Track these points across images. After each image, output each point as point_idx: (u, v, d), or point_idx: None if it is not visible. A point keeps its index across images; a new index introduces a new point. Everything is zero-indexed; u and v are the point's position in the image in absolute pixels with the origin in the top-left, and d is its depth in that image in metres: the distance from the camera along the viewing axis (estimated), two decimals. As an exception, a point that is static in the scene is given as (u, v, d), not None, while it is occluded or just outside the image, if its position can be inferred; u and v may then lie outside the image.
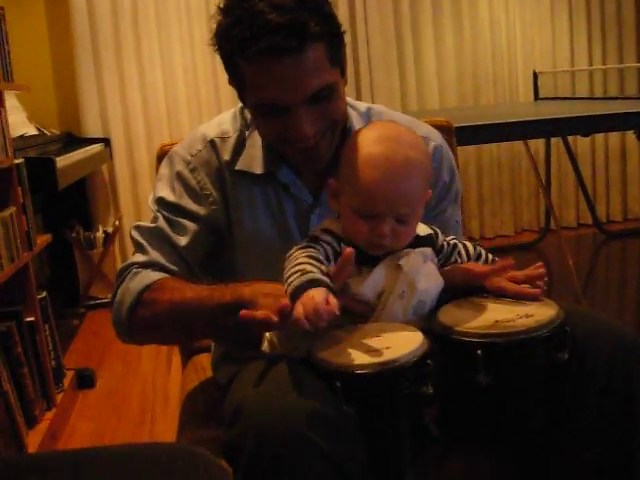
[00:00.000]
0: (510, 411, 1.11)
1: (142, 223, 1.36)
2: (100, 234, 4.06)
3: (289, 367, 1.06)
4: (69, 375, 2.86)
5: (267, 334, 1.17)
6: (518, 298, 1.18)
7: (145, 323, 1.28)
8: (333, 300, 1.01)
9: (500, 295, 1.20)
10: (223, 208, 1.34)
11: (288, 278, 1.08)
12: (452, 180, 1.43)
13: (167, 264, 1.31)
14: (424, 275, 1.18)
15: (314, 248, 1.13)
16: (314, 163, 1.29)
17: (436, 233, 1.26)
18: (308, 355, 1.07)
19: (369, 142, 1.17)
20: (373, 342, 1.07)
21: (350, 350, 1.06)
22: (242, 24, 1.14)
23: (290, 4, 1.13)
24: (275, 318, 1.03)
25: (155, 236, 1.33)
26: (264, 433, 0.98)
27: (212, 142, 1.36)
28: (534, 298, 1.17)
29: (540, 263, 1.22)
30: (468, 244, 1.30)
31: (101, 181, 4.34)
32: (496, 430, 1.13)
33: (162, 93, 4.37)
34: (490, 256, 1.30)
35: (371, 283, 1.15)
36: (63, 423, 2.63)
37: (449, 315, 1.15)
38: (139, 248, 1.34)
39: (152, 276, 1.29)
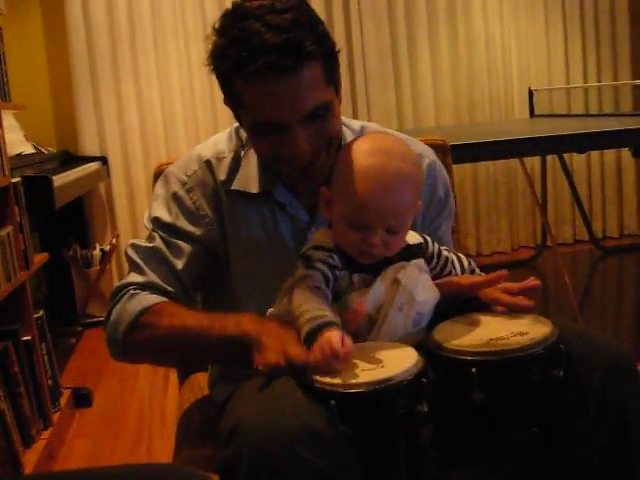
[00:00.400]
0: (505, 429, 1.11)
1: (138, 241, 1.36)
2: (97, 252, 4.06)
3: (285, 386, 1.07)
4: (66, 394, 2.85)
5: None
6: (511, 309, 1.19)
7: (142, 346, 1.28)
8: (348, 341, 1.04)
9: (493, 304, 1.21)
10: (218, 228, 1.35)
11: (298, 318, 1.10)
12: (447, 196, 1.45)
13: (164, 285, 1.31)
14: (422, 288, 1.19)
15: (312, 277, 1.14)
16: (310, 181, 1.30)
17: (426, 242, 1.27)
18: (303, 374, 1.07)
19: (363, 153, 1.18)
20: (367, 361, 1.07)
21: (344, 368, 1.06)
22: (238, 44, 1.16)
23: (286, 24, 1.15)
24: (284, 364, 1.06)
25: (152, 256, 1.33)
26: (260, 452, 0.98)
27: (208, 162, 1.36)
28: (527, 309, 1.18)
29: (532, 278, 1.22)
30: (462, 257, 1.32)
31: (98, 199, 4.35)
32: (491, 447, 1.13)
33: (159, 112, 4.39)
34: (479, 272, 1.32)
35: (372, 297, 1.16)
36: (60, 443, 2.63)
37: (444, 332, 1.15)
38: (135, 268, 1.34)
39: (150, 299, 1.29)
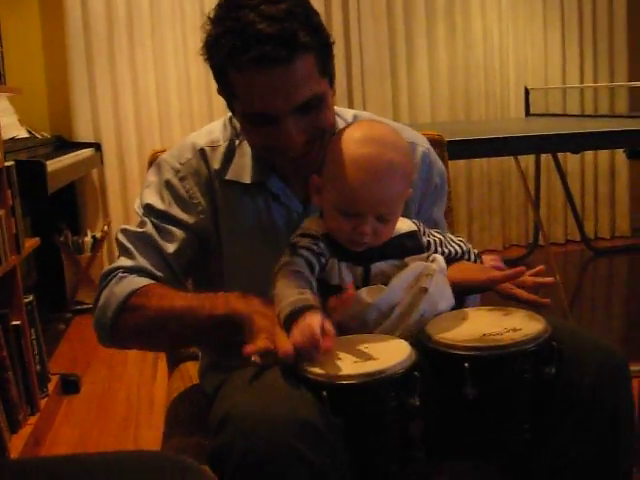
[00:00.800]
0: (496, 424, 1.11)
1: (129, 227, 1.36)
2: (88, 239, 4.05)
3: (277, 376, 1.06)
4: (54, 380, 2.84)
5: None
6: (529, 305, 1.20)
7: (130, 328, 1.28)
8: (329, 326, 1.04)
9: (511, 299, 1.22)
10: (211, 217, 1.34)
11: (279, 302, 1.10)
12: (442, 183, 1.46)
13: (153, 270, 1.31)
14: (445, 297, 1.21)
15: (295, 263, 1.15)
16: (303, 172, 1.29)
17: (419, 229, 1.28)
18: (295, 365, 1.07)
19: (354, 142, 1.19)
20: (360, 353, 1.07)
21: (337, 360, 1.06)
22: (232, 34, 1.15)
23: (280, 14, 1.14)
24: (273, 348, 1.06)
25: (142, 241, 1.33)
26: (250, 442, 0.97)
27: (202, 151, 1.36)
28: (544, 306, 1.20)
29: (541, 267, 1.24)
30: (454, 238, 1.35)
31: (91, 186, 4.33)
32: (482, 443, 1.13)
33: (154, 99, 4.37)
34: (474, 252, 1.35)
35: (387, 297, 1.17)
36: (47, 428, 2.62)
37: (437, 327, 1.15)
38: (125, 252, 1.33)
39: (139, 281, 1.28)
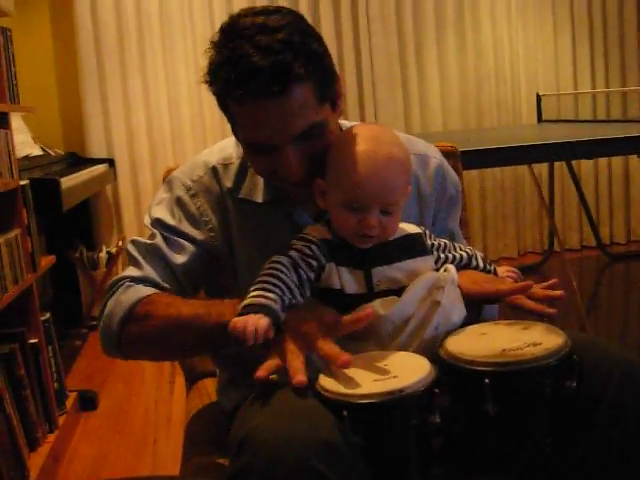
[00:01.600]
0: (517, 439, 1.10)
1: (139, 238, 1.36)
2: (103, 255, 4.06)
3: (297, 395, 1.06)
4: (71, 397, 2.85)
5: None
6: (534, 314, 1.20)
7: (137, 337, 1.27)
8: (264, 329, 1.08)
9: (518, 310, 1.22)
10: (223, 235, 1.34)
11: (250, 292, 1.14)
12: (457, 194, 1.46)
13: (160, 281, 1.31)
14: (457, 309, 1.21)
15: (278, 261, 1.18)
16: (311, 190, 1.28)
17: (424, 233, 1.30)
18: (315, 384, 1.07)
19: (354, 141, 1.21)
20: (380, 370, 1.07)
21: (357, 379, 1.05)
22: (228, 65, 1.15)
23: (275, 45, 1.13)
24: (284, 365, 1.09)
25: (150, 253, 1.33)
26: (272, 462, 0.97)
27: (214, 169, 1.36)
28: (550, 317, 1.19)
29: (555, 280, 1.24)
30: (461, 245, 1.36)
31: (105, 202, 4.35)
32: (503, 458, 1.12)
33: (166, 115, 4.39)
34: (480, 262, 1.35)
35: (401, 309, 1.17)
36: (65, 446, 2.62)
37: (457, 343, 1.14)
38: (133, 262, 1.34)
39: (145, 290, 1.28)
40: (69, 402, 2.79)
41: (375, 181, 1.18)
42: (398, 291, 1.20)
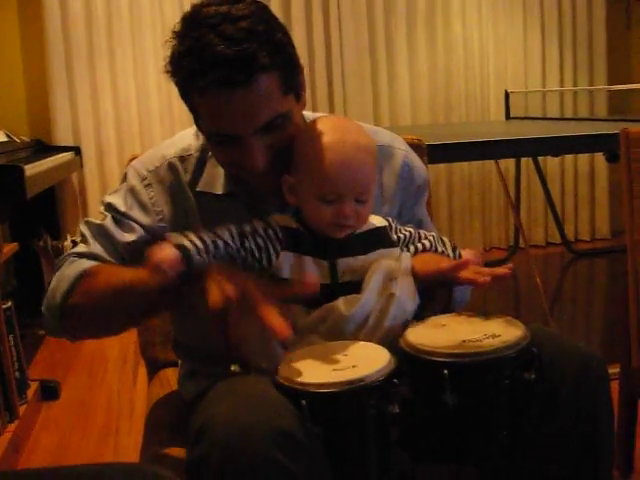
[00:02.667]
0: (476, 430, 1.11)
1: (91, 219, 1.36)
2: (68, 243, 4.01)
3: (255, 385, 1.06)
4: (33, 386, 2.81)
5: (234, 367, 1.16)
6: (469, 285, 1.22)
7: (80, 308, 1.25)
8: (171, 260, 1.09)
9: (460, 284, 1.24)
10: (175, 227, 1.31)
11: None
12: (424, 183, 1.46)
13: (106, 256, 1.30)
14: (411, 298, 1.22)
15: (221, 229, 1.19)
16: (275, 179, 1.27)
17: (390, 225, 1.30)
18: (274, 374, 1.07)
19: (320, 133, 1.21)
20: (339, 360, 1.07)
21: (316, 368, 1.05)
22: (192, 55, 1.14)
23: (240, 34, 1.12)
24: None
25: (99, 233, 1.32)
26: (229, 452, 0.96)
27: (171, 162, 1.35)
28: (482, 286, 1.19)
29: (507, 266, 1.23)
30: (427, 234, 1.35)
31: (70, 190, 4.31)
32: (462, 449, 1.13)
33: (134, 103, 4.35)
34: (447, 248, 1.35)
35: (362, 306, 1.17)
36: (26, 436, 2.59)
37: (417, 334, 1.15)
38: (82, 240, 1.33)
39: (89, 263, 1.27)
40: (30, 392, 2.75)
41: (347, 171, 1.19)
42: (360, 282, 1.20)
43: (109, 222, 1.32)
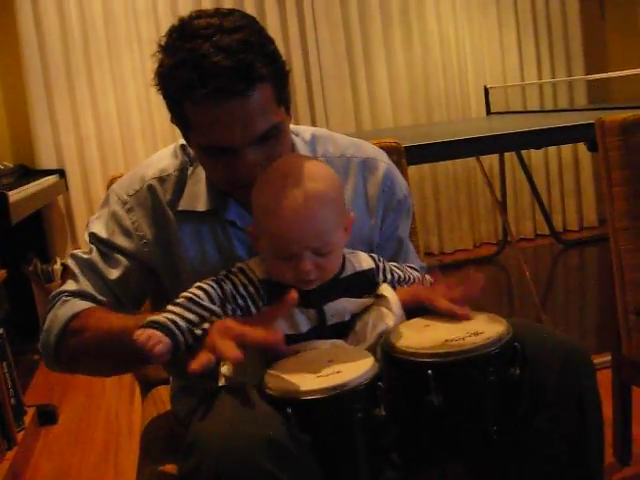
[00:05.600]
0: (463, 429, 1.11)
1: (78, 252, 1.36)
2: (58, 267, 3.99)
3: (242, 396, 1.06)
4: (30, 412, 2.81)
5: (223, 369, 1.15)
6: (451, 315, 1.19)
7: (72, 351, 1.27)
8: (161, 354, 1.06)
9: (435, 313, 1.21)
10: (161, 248, 1.33)
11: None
12: (405, 198, 1.45)
13: (96, 294, 1.31)
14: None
15: (202, 290, 1.16)
16: None
17: (377, 267, 1.26)
18: (260, 383, 1.07)
19: (269, 184, 1.16)
20: (323, 366, 1.07)
21: (301, 376, 1.06)
22: (186, 66, 1.13)
23: (235, 45, 1.13)
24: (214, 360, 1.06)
25: (87, 267, 1.33)
26: (219, 464, 0.97)
27: (150, 184, 1.34)
28: (466, 317, 1.17)
29: (478, 275, 1.22)
30: (412, 272, 1.33)
31: (57, 213, 4.31)
32: (451, 448, 1.14)
33: (116, 122, 4.36)
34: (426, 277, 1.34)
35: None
36: (25, 462, 2.59)
37: (399, 336, 1.15)
38: (71, 276, 1.34)
39: (80, 304, 1.28)
40: (27, 418, 2.75)
41: (297, 227, 1.12)
42: (347, 322, 1.20)
43: (95, 256, 1.33)
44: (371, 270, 1.25)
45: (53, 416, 2.95)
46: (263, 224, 1.16)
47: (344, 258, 1.23)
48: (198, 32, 1.14)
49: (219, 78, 1.11)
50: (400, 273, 1.30)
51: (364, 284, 1.24)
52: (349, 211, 1.25)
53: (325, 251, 1.15)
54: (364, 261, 1.25)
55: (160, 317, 1.11)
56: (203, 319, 1.12)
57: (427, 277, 1.35)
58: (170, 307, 1.14)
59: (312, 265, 1.14)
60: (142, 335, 1.06)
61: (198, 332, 1.11)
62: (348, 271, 1.23)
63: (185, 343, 1.10)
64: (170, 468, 1.30)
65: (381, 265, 1.28)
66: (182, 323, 1.10)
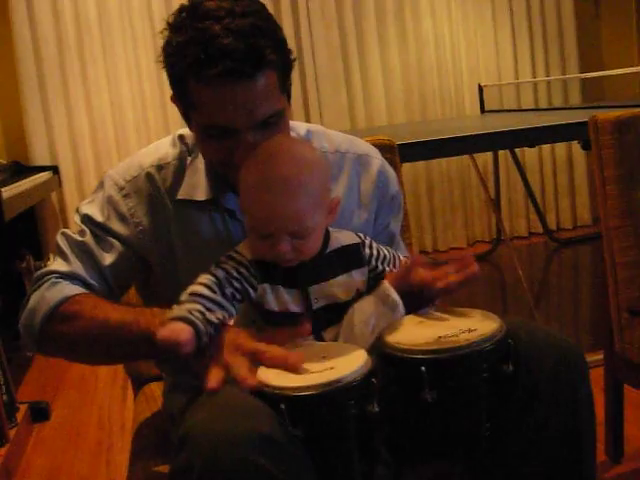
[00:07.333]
0: (457, 425, 1.11)
1: (70, 232, 1.33)
2: (51, 264, 3.99)
3: (235, 391, 1.05)
4: (22, 409, 2.80)
5: None
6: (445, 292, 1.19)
7: (59, 337, 1.24)
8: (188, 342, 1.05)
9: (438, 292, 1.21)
10: (157, 237, 1.32)
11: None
12: (398, 195, 1.47)
13: (87, 278, 1.29)
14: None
15: (201, 284, 1.15)
16: None
17: (363, 242, 1.26)
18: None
19: (251, 165, 1.17)
20: (317, 362, 1.07)
21: (295, 371, 1.05)
22: (196, 45, 1.12)
23: (247, 29, 1.12)
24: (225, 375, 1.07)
25: (80, 249, 1.30)
26: (211, 459, 0.96)
27: (148, 172, 1.34)
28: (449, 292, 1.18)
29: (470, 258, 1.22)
30: (401, 256, 1.33)
31: (51, 209, 4.30)
32: (444, 445, 1.14)
33: (110, 118, 4.35)
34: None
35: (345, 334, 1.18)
36: (17, 459, 2.58)
37: (394, 333, 1.15)
38: (62, 256, 1.31)
39: (72, 289, 1.26)
40: (20, 414, 2.74)
41: (274, 209, 1.13)
42: (335, 307, 1.20)
43: (89, 239, 1.31)
44: (357, 244, 1.25)
45: (46, 413, 2.94)
46: (245, 202, 1.17)
47: (329, 234, 1.23)
48: (209, 13, 1.14)
49: (228, 59, 1.11)
50: (386, 252, 1.29)
51: (350, 258, 1.23)
52: (332, 194, 1.24)
53: (301, 234, 1.15)
54: (346, 237, 1.26)
55: (174, 311, 1.10)
56: (211, 311, 1.12)
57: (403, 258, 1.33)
58: (177, 306, 1.12)
59: (289, 246, 1.14)
60: (164, 331, 1.05)
61: (215, 320, 1.11)
62: (333, 246, 1.23)
63: (206, 332, 1.09)
64: (162, 466, 1.30)
65: (367, 241, 1.27)
66: (197, 314, 1.09)
